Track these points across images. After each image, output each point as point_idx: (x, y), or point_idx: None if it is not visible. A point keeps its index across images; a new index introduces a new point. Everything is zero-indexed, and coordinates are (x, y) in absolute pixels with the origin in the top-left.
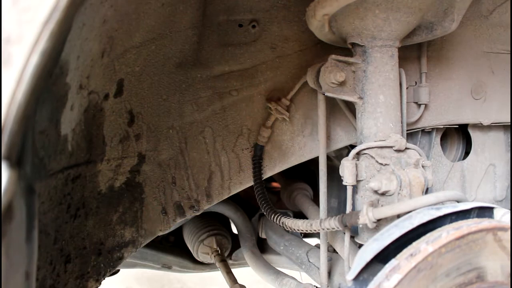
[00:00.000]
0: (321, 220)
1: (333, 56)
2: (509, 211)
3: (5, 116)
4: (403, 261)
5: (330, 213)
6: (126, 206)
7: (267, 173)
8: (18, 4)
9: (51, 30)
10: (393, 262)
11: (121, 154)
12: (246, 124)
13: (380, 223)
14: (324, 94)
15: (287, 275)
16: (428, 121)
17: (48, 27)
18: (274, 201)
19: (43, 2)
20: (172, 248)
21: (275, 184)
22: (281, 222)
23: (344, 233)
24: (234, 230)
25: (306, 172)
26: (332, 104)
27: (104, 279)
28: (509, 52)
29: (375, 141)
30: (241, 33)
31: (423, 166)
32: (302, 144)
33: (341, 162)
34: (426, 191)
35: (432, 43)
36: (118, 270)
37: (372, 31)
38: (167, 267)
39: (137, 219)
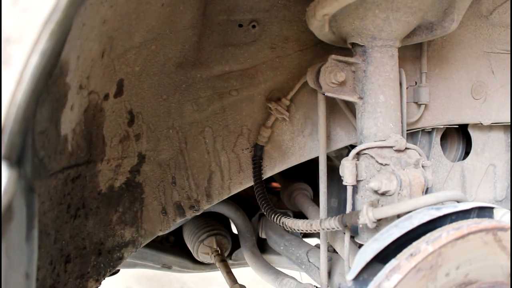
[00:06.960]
0: (321, 220)
1: (333, 56)
2: (509, 211)
3: (5, 116)
4: (403, 261)
5: (330, 213)
6: (126, 206)
7: (267, 173)
8: (18, 4)
9: (51, 30)
10: (393, 262)
11: (121, 154)
12: (246, 124)
13: (380, 223)
14: (324, 94)
15: (287, 275)
16: (428, 121)
17: (48, 27)
18: (274, 201)
19: (43, 2)
20: (172, 248)
21: (275, 184)
22: (281, 222)
23: (344, 233)
24: (234, 230)
25: (306, 172)
26: (332, 104)
27: (104, 279)
28: (509, 52)
29: (375, 141)
30: (241, 33)
31: (423, 166)
32: (302, 144)
33: (341, 162)
34: (426, 191)
35: (432, 43)
36: (118, 270)
37: (372, 31)
38: (167, 267)
39: (137, 219)
